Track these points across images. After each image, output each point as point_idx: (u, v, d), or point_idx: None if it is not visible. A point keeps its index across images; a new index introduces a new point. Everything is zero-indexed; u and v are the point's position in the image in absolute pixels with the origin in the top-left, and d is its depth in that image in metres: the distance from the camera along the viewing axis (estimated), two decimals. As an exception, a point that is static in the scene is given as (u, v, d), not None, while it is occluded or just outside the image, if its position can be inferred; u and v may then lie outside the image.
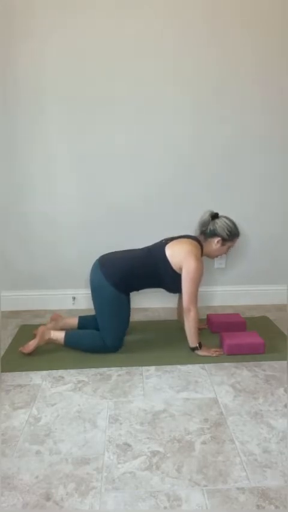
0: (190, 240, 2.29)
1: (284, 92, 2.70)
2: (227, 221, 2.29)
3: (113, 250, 2.39)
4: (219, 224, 2.28)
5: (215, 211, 2.34)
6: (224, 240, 2.30)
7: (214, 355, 2.23)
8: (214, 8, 2.56)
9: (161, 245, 2.29)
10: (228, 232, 2.28)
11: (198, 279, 2.20)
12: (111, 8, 2.53)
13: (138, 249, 2.36)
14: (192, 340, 2.24)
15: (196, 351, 2.24)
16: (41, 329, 2.31)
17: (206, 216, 2.31)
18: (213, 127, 2.73)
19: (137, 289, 2.35)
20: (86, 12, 2.53)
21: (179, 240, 2.30)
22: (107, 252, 2.36)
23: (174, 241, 2.29)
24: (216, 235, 2.29)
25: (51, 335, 2.30)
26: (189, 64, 2.63)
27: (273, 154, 2.79)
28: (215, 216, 2.31)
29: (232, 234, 2.30)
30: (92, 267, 2.32)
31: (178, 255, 2.21)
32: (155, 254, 2.27)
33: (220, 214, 2.33)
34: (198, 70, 2.64)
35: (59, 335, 2.29)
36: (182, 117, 2.70)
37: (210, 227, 2.29)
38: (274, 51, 2.64)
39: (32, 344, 2.25)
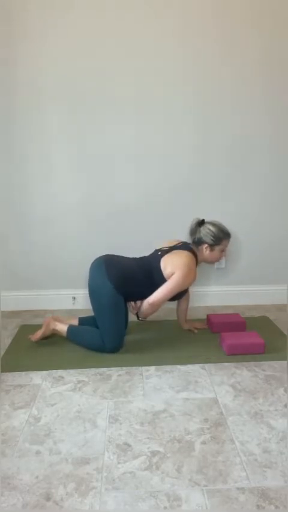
0: (184, 252, 2.30)
1: None
2: (210, 227, 2.33)
3: (113, 251, 2.40)
4: (203, 232, 2.33)
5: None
6: (211, 246, 2.33)
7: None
8: (216, 7, 2.56)
9: (157, 257, 2.31)
10: (212, 238, 2.32)
11: (179, 287, 2.25)
12: (110, 8, 2.53)
13: (137, 258, 2.38)
14: (142, 312, 2.30)
15: (140, 318, 2.34)
16: (46, 319, 2.39)
17: (193, 224, 2.36)
18: (216, 127, 2.73)
19: (133, 299, 2.34)
20: (86, 12, 2.53)
21: (174, 252, 2.31)
22: (105, 254, 2.37)
23: (169, 254, 2.30)
24: (203, 242, 2.33)
25: (56, 326, 2.36)
26: (192, 63, 2.63)
27: (275, 155, 2.79)
28: (201, 223, 2.35)
29: (217, 238, 2.33)
30: (93, 265, 2.32)
31: (170, 267, 2.24)
32: (152, 266, 2.29)
33: (207, 219, 2.37)
34: (201, 70, 2.64)
35: (63, 327, 2.35)
36: (184, 117, 2.70)
37: (197, 235, 2.34)
38: (279, 50, 2.64)
39: (38, 333, 2.35)
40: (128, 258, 2.38)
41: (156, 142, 2.73)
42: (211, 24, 2.58)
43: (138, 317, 2.35)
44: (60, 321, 2.45)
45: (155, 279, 2.27)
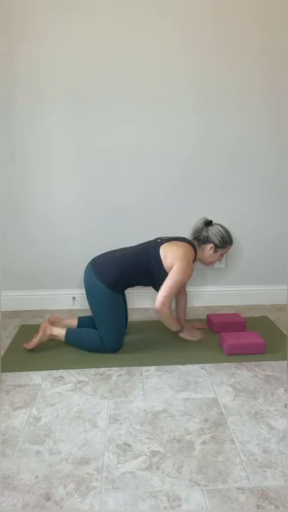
0: (185, 244, 2.30)
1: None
2: (220, 228, 2.33)
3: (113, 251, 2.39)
4: (212, 231, 2.32)
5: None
6: (216, 247, 2.33)
7: (196, 339, 2.38)
8: (217, 6, 2.56)
9: (156, 244, 2.30)
10: (220, 239, 2.32)
11: (182, 280, 2.23)
12: (111, 7, 2.53)
13: (131, 247, 2.37)
14: (173, 327, 2.34)
15: (180, 334, 2.36)
16: (42, 324, 2.34)
17: (200, 223, 2.35)
18: (216, 128, 2.72)
19: (132, 286, 2.36)
20: (86, 11, 2.53)
21: (175, 242, 2.31)
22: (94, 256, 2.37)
23: (170, 243, 2.29)
24: (209, 241, 2.32)
25: (53, 331, 2.32)
26: (192, 63, 2.62)
27: (275, 155, 2.79)
28: (208, 223, 2.34)
29: (224, 241, 2.33)
30: (85, 270, 2.33)
31: (170, 257, 2.23)
32: (149, 253, 2.28)
33: (214, 221, 2.37)
34: (201, 70, 2.63)
35: (61, 332, 2.32)
36: (184, 117, 2.70)
37: (204, 233, 2.33)
38: (280, 50, 2.63)
39: (34, 340, 2.28)
40: (121, 249, 2.37)
41: (156, 142, 2.73)
42: (212, 24, 2.58)
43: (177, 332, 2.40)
44: (60, 321, 2.45)
45: (153, 266, 2.25)
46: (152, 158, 2.75)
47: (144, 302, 2.87)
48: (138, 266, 2.27)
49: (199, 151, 2.76)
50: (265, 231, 2.91)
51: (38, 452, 1.56)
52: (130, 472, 1.46)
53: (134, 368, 2.15)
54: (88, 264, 2.34)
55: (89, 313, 2.39)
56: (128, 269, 2.26)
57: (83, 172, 2.75)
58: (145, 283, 2.35)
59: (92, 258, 2.36)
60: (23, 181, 2.75)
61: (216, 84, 2.66)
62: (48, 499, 1.35)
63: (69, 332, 2.32)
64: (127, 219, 2.82)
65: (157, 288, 2.34)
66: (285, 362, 2.17)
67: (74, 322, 2.45)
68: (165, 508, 1.32)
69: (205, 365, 2.16)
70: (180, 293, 2.52)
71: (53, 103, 2.64)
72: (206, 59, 2.62)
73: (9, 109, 2.64)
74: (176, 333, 2.39)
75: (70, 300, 2.94)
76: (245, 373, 2.09)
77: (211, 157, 2.77)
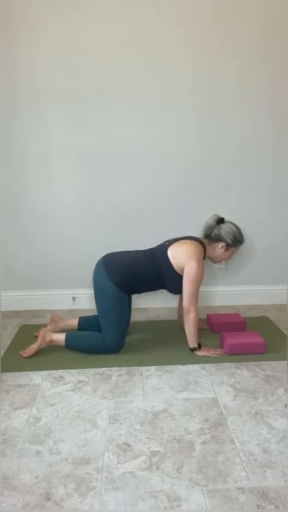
0: (193, 242, 2.28)
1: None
2: (232, 227, 2.30)
3: (113, 251, 2.39)
4: (224, 229, 2.28)
5: (219, 213, 2.34)
6: (228, 246, 2.30)
7: (214, 355, 2.23)
8: (218, 6, 2.56)
9: (164, 247, 2.29)
10: (232, 238, 2.28)
11: (199, 281, 2.21)
12: (111, 7, 2.53)
13: (141, 251, 2.36)
14: (191, 341, 2.24)
15: (195, 352, 2.24)
16: (42, 331, 2.31)
17: (212, 220, 2.31)
18: (216, 128, 2.72)
19: (139, 292, 2.36)
20: (86, 11, 2.53)
21: (182, 241, 2.29)
22: (107, 252, 2.36)
23: (177, 243, 2.28)
24: (221, 240, 2.29)
25: (53, 337, 2.29)
26: (192, 63, 2.62)
27: (276, 155, 2.79)
28: (220, 221, 2.31)
29: (236, 240, 2.30)
30: (96, 265, 2.33)
31: (180, 257, 2.22)
32: (158, 256, 2.27)
33: (226, 219, 2.32)
34: (202, 70, 2.64)
35: (60, 337, 2.29)
36: (185, 117, 2.70)
37: (215, 231, 2.29)
38: (281, 49, 2.63)
39: (33, 348, 2.25)
40: (132, 251, 2.36)
41: (156, 142, 2.73)
42: (212, 24, 2.58)
43: (199, 346, 2.25)
44: (62, 321, 2.45)
45: (162, 268, 2.24)
46: (152, 158, 2.75)
47: (144, 302, 2.87)
48: (146, 268, 2.25)
49: (200, 151, 2.76)
50: (266, 231, 2.90)
51: (38, 452, 1.56)
52: (130, 472, 1.46)
53: (134, 368, 2.15)
54: (100, 259, 2.33)
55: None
56: (137, 270, 2.25)
57: (83, 172, 2.75)
58: (154, 286, 2.33)
59: (102, 255, 2.34)
60: (23, 181, 2.75)
61: (216, 84, 2.66)
62: (48, 499, 1.35)
63: (70, 336, 2.30)
64: (127, 218, 2.81)
65: (170, 290, 2.34)
66: (285, 362, 2.17)
67: (74, 322, 2.46)
68: (165, 508, 1.32)
69: (205, 365, 2.16)
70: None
71: (53, 103, 2.64)
72: (206, 59, 2.62)
73: (9, 109, 2.64)
74: (192, 350, 2.25)
75: (70, 300, 2.94)
76: (245, 373, 2.09)
77: (212, 157, 2.77)
